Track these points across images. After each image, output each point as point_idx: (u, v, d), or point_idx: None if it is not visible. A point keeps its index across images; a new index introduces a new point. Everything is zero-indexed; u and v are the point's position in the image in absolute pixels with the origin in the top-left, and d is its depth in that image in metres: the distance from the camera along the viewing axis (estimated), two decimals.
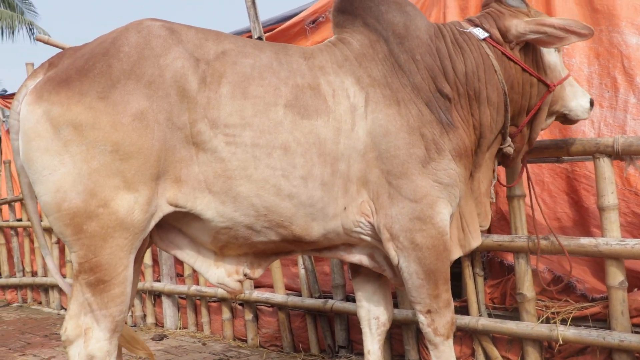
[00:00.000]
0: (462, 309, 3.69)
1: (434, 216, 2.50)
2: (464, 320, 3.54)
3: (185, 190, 2.35)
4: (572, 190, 3.52)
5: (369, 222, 2.56)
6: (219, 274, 2.62)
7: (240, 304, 4.90)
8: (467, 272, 3.62)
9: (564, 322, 3.23)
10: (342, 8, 2.73)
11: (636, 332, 2.98)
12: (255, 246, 2.59)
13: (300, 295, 4.46)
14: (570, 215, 3.51)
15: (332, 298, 4.23)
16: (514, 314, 3.47)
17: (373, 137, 2.48)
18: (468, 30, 2.71)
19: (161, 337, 5.19)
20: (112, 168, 2.21)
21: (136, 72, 2.26)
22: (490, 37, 2.68)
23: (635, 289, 3.14)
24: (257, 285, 4.91)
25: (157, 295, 5.72)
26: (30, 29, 21.54)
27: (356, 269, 2.97)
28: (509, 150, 2.79)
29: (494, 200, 2.95)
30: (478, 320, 3.49)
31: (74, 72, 2.25)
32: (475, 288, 3.61)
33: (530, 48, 2.73)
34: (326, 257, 2.91)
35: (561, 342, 3.17)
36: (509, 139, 2.78)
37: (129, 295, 2.37)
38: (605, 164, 3.00)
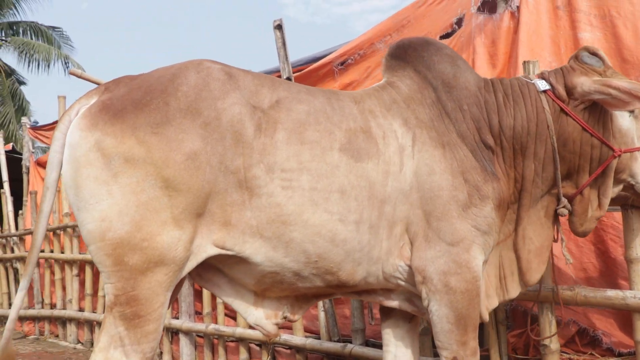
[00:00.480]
0: (484, 358, 3.61)
1: (470, 260, 2.47)
2: None
3: (234, 234, 2.34)
4: (599, 240, 3.47)
5: (408, 266, 2.53)
6: (258, 316, 2.60)
7: (257, 345, 4.85)
8: (490, 320, 3.55)
9: None
10: (396, 54, 2.77)
11: None
12: (299, 290, 2.58)
13: (319, 338, 4.41)
14: (597, 265, 3.45)
15: (351, 342, 4.16)
16: None
17: (418, 176, 2.49)
18: (532, 82, 2.69)
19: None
20: (160, 203, 2.21)
21: (192, 112, 2.27)
22: (552, 90, 2.65)
23: None
24: None
25: (174, 333, 5.69)
26: (65, 63, 22.09)
27: (387, 312, 2.91)
28: (563, 211, 2.68)
29: (570, 262, 2.83)
30: None
31: (130, 104, 2.25)
32: (498, 337, 3.55)
33: (599, 109, 2.63)
34: (365, 300, 2.86)
35: None
36: (563, 199, 2.67)
37: (161, 334, 2.34)
38: (633, 215, 2.95)
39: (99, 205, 2.18)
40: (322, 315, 4.36)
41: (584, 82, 2.57)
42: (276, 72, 5.69)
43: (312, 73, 5.17)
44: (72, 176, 2.23)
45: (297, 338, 4.48)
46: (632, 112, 2.66)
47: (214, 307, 5.36)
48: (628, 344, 3.21)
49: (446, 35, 4.64)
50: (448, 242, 2.46)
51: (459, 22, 4.56)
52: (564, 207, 2.67)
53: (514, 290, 2.73)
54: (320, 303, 4.35)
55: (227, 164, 2.29)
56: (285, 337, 4.56)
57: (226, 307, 5.22)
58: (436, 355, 3.41)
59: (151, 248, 2.20)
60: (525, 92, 2.66)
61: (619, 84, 2.49)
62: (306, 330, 4.60)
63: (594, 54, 2.66)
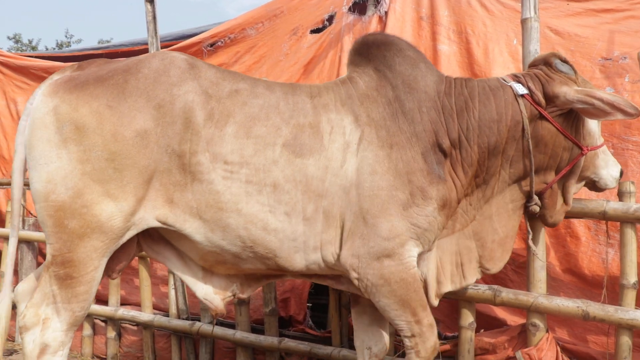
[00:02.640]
0: (326, 340, 3.83)
1: (403, 253, 2.55)
2: (326, 350, 3.68)
3: (176, 212, 2.48)
4: None
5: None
6: (206, 290, 2.73)
7: (103, 321, 4.76)
8: (333, 304, 3.76)
9: None
10: (359, 50, 2.83)
11: None
12: (244, 270, 2.70)
13: (167, 316, 4.42)
14: None
15: (199, 320, 4.22)
16: None
17: (359, 174, 2.55)
18: (509, 84, 2.77)
19: (10, 353, 4.92)
20: (103, 175, 2.35)
21: (149, 93, 2.41)
22: (530, 95, 2.74)
23: (482, 330, 3.42)
24: (124, 302, 4.81)
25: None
26: None
27: (356, 299, 3.03)
28: (535, 208, 2.84)
29: (536, 254, 3.03)
30: (340, 351, 3.64)
31: (93, 78, 2.42)
32: (340, 320, 3.76)
33: (573, 114, 2.76)
34: (317, 282, 2.93)
35: None
36: (535, 197, 2.81)
37: (93, 295, 2.48)
38: None
39: (47, 166, 2.34)
40: (172, 293, 4.37)
41: (567, 92, 2.69)
42: (144, 45, 5.61)
43: (180, 51, 5.11)
44: (29, 136, 2.39)
45: (145, 315, 4.46)
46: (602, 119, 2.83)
47: None
48: (453, 328, 3.55)
49: (317, 30, 4.79)
50: (384, 237, 2.53)
51: (330, 19, 4.73)
52: (535, 204, 2.84)
53: (472, 277, 2.87)
54: (171, 281, 4.36)
55: (174, 147, 2.42)
56: (133, 313, 4.52)
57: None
58: None
59: (90, 215, 2.34)
60: (499, 94, 2.74)
61: (602, 95, 2.63)
62: (155, 307, 4.58)
63: (565, 61, 2.82)
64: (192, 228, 2.50)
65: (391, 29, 4.37)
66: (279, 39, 4.88)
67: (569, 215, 3.11)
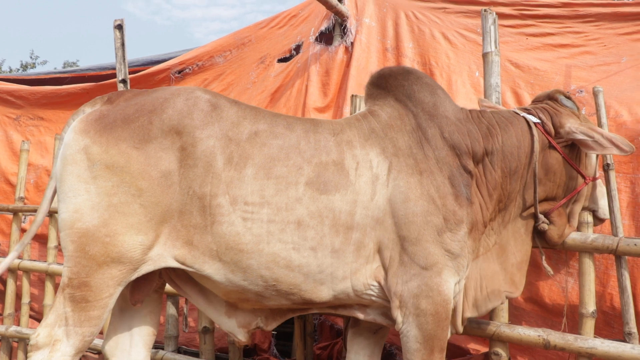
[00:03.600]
0: None
1: (441, 284, 2.57)
2: None
3: (194, 254, 2.53)
4: None
5: (381, 286, 2.63)
6: (231, 324, 2.78)
7: None
8: (298, 332, 3.77)
9: None
10: (377, 83, 2.87)
11: None
12: (268, 306, 2.71)
13: None
14: None
15: (163, 349, 4.17)
16: None
17: (392, 203, 2.58)
18: (522, 115, 2.89)
19: None
20: (129, 208, 2.45)
21: (173, 135, 2.50)
22: (542, 126, 2.87)
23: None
24: None
25: None
26: None
27: (356, 321, 3.02)
28: (544, 227, 2.92)
29: (551, 274, 3.04)
30: None
31: (120, 119, 2.52)
32: (305, 348, 3.76)
33: (576, 147, 2.90)
34: (342, 314, 2.92)
35: None
36: (541, 216, 2.90)
37: (103, 322, 2.54)
38: None
39: (75, 199, 2.45)
40: None
41: (572, 125, 2.85)
42: (112, 70, 5.61)
43: (148, 77, 5.14)
44: (60, 170, 2.52)
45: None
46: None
47: (17, 308, 5.07)
48: None
49: (284, 59, 4.86)
50: (422, 266, 2.55)
51: (298, 49, 4.81)
52: (543, 222, 2.91)
53: (496, 300, 2.88)
54: None
55: (196, 189, 2.49)
56: (95, 341, 4.44)
57: (32, 308, 4.98)
58: None
59: (112, 244, 2.44)
60: (515, 123, 2.85)
61: (603, 131, 2.81)
62: None
63: (569, 97, 2.98)
64: (212, 270, 2.54)
65: (357, 60, 4.46)
66: (246, 67, 4.93)
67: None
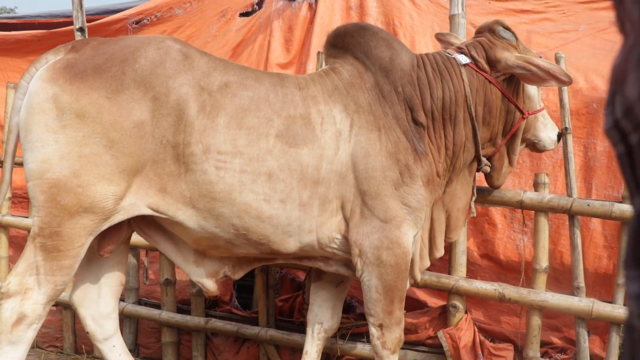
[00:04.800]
0: (252, 320, 3.90)
1: (400, 236, 2.67)
2: (253, 330, 3.75)
3: (168, 201, 2.55)
4: None
5: (344, 238, 2.71)
6: (199, 273, 2.83)
7: None
8: (260, 285, 3.83)
9: (343, 337, 3.58)
10: (334, 43, 2.91)
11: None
12: (237, 254, 2.79)
13: None
14: None
15: (124, 300, 4.18)
16: (300, 327, 3.75)
17: (354, 158, 2.66)
18: (452, 56, 2.89)
19: None
20: (101, 159, 2.44)
21: (145, 85, 2.49)
22: (475, 63, 2.87)
23: (404, 311, 3.59)
24: None
25: None
26: None
27: (319, 275, 3.10)
28: (486, 169, 2.99)
29: (474, 215, 3.12)
30: (267, 331, 3.72)
31: (91, 68, 2.47)
32: (267, 301, 3.84)
33: (515, 79, 2.92)
34: (306, 265, 2.99)
35: (339, 354, 3.51)
36: (483, 159, 2.95)
37: (75, 271, 2.56)
38: None
39: (43, 148, 2.42)
40: None
41: (509, 57, 2.83)
42: (63, 18, 5.42)
43: (105, 26, 4.99)
44: (26, 120, 2.47)
45: (66, 294, 4.35)
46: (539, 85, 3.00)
47: None
48: None
49: (246, 14, 4.80)
50: (381, 219, 2.65)
51: (260, 3, 4.75)
52: (486, 165, 2.98)
53: (442, 248, 2.98)
54: None
55: (169, 138, 2.50)
56: None
57: None
58: None
59: (84, 195, 2.44)
60: (449, 66, 2.86)
61: (540, 63, 2.78)
62: None
63: (508, 28, 2.95)
64: (185, 216, 2.58)
65: (321, 17, 4.45)
66: (207, 20, 4.85)
67: (489, 204, 3.33)
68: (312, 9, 4.54)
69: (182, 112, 2.51)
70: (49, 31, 5.19)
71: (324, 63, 3.64)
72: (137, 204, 2.54)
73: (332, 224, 2.70)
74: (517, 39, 2.97)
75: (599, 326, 3.45)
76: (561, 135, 3.16)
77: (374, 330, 2.78)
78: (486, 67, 2.88)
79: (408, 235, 2.71)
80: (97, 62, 2.49)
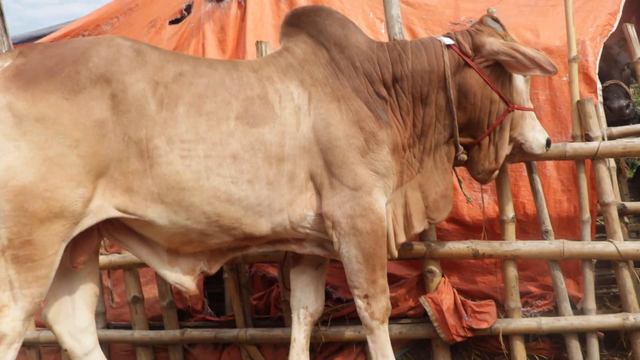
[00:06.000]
0: (229, 324, 3.80)
1: (372, 203, 2.66)
2: (232, 332, 3.67)
3: (136, 200, 2.50)
4: None
5: (316, 215, 2.69)
6: (175, 273, 2.76)
7: None
8: (232, 285, 3.74)
9: (325, 323, 3.53)
10: (290, 21, 2.95)
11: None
12: (210, 246, 2.74)
13: None
14: None
15: None
16: (279, 322, 3.69)
17: (316, 130, 2.66)
18: (438, 38, 2.92)
19: None
20: (67, 160, 2.35)
21: (102, 83, 2.43)
22: (457, 46, 2.88)
23: None
24: None
25: None
26: None
27: (297, 260, 3.07)
28: (463, 157, 2.96)
29: (471, 200, 3.14)
30: (246, 331, 3.64)
31: (43, 72, 2.39)
32: (242, 301, 3.75)
33: (500, 68, 2.89)
34: (281, 249, 3.01)
35: (324, 341, 3.46)
36: (460, 147, 2.94)
37: (51, 281, 2.43)
38: None
39: (5, 157, 2.30)
40: None
41: (493, 42, 2.85)
42: None
43: None
44: None
45: (29, 332, 4.15)
46: (525, 75, 2.97)
47: None
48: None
49: (176, 21, 4.78)
50: (351, 187, 2.65)
51: (188, 9, 4.73)
52: (462, 153, 2.95)
53: (419, 226, 2.95)
54: None
55: (131, 135, 2.45)
56: None
57: None
58: None
59: (53, 199, 2.34)
60: (429, 46, 2.89)
61: (525, 50, 2.78)
62: (38, 324, 4.28)
63: (496, 20, 2.98)
64: (155, 213, 2.53)
65: (252, 13, 4.46)
66: (136, 32, 4.78)
67: None
68: (242, 6, 4.54)
69: (142, 108, 2.47)
70: None
71: (264, 52, 3.63)
72: (105, 206, 2.47)
73: (302, 201, 2.69)
74: (504, 29, 3.00)
75: (570, 269, 3.51)
76: (550, 142, 3.07)
77: (360, 302, 2.75)
78: (469, 51, 2.90)
79: (380, 201, 2.71)
80: (48, 65, 2.42)
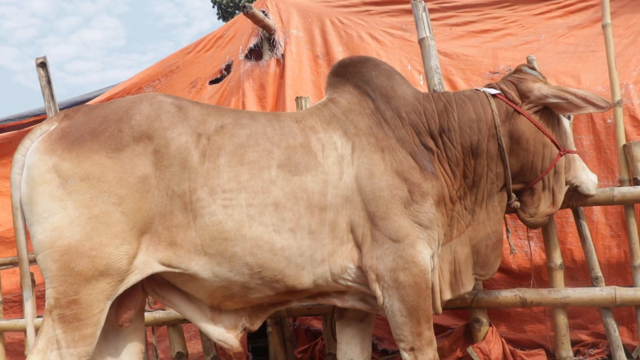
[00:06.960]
0: None
1: (415, 255, 2.61)
2: None
3: (180, 253, 2.50)
4: None
5: (357, 268, 2.64)
6: (219, 331, 2.73)
7: None
8: (276, 339, 3.73)
9: None
10: (337, 72, 2.97)
11: None
12: (252, 301, 2.71)
13: None
14: None
15: None
16: None
17: (359, 180, 2.64)
18: (482, 90, 2.92)
19: None
20: (111, 217, 2.38)
21: (144, 140, 2.48)
22: (504, 94, 2.88)
23: None
24: None
25: None
26: None
27: (341, 312, 3.03)
28: (516, 204, 2.92)
29: (515, 252, 3.07)
30: None
31: (87, 132, 2.46)
32: (286, 354, 3.73)
33: (549, 112, 2.88)
34: (322, 303, 2.89)
35: None
36: (513, 195, 2.90)
37: (97, 339, 2.42)
38: None
39: (51, 218, 2.35)
40: None
41: (541, 87, 2.85)
42: (32, 117, 5.44)
43: None
44: (28, 194, 2.41)
45: None
46: (569, 117, 2.98)
47: None
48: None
49: (216, 81, 4.88)
50: (393, 239, 2.60)
51: (228, 68, 4.85)
52: (515, 201, 2.91)
53: (469, 285, 2.89)
54: None
55: (174, 188, 2.49)
56: None
57: None
58: None
59: (98, 257, 2.36)
60: (473, 97, 2.89)
61: (574, 90, 2.81)
62: None
63: (533, 68, 3.02)
64: (199, 266, 2.52)
65: (291, 69, 4.55)
66: (178, 93, 4.90)
67: None
68: (280, 64, 4.64)
69: (185, 160, 2.50)
70: (19, 131, 5.19)
71: (304, 107, 3.70)
72: (149, 261, 2.48)
73: (343, 252, 2.65)
74: (544, 77, 3.00)
75: (624, 316, 3.41)
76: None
77: (406, 356, 2.67)
78: (516, 97, 2.90)
79: (423, 253, 2.65)
80: (92, 126, 2.49)
